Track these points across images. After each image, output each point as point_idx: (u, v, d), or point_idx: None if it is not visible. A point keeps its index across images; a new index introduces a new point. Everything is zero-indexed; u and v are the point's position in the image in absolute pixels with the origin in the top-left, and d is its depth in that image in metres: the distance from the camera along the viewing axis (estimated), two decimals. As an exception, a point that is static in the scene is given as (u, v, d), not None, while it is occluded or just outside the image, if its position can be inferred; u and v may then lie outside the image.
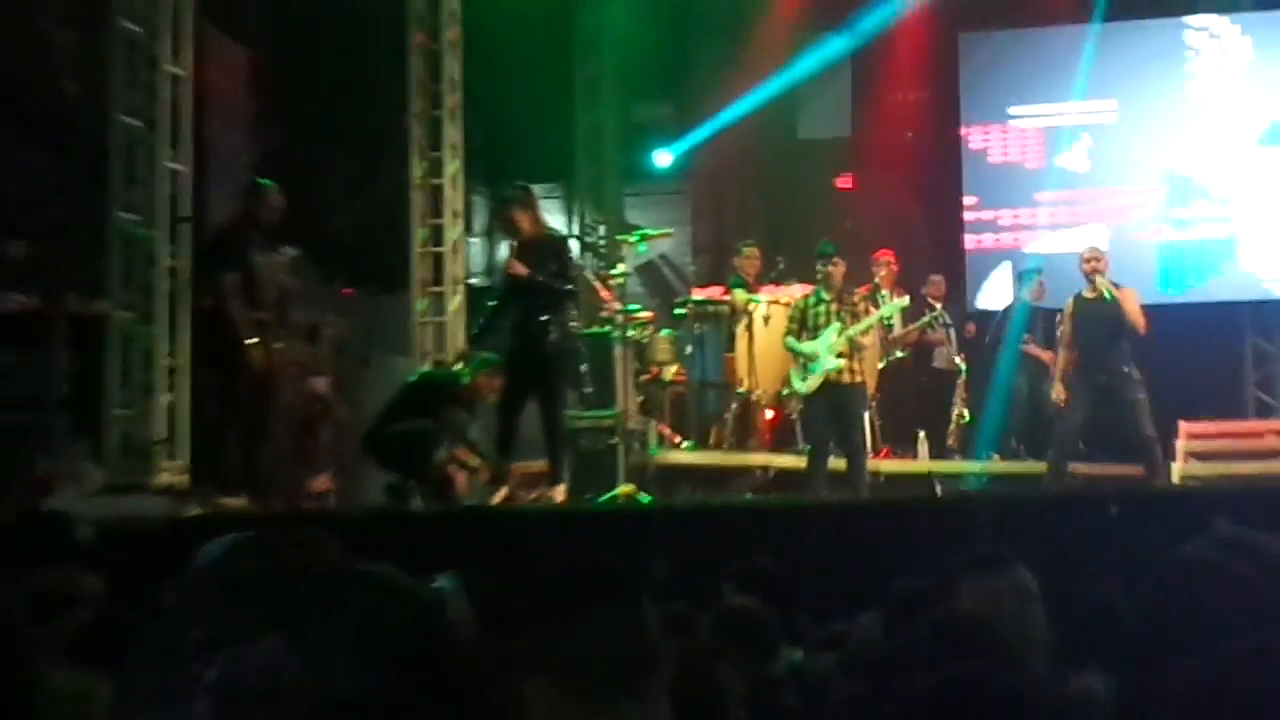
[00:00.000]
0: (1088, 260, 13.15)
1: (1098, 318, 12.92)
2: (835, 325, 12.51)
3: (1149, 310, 13.21)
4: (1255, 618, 2.37)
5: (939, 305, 15.78)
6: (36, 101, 12.28)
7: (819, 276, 12.81)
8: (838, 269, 12.70)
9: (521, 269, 10.95)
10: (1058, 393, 13.06)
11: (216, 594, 1.45)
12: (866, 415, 14.17)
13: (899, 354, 15.28)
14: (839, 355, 12.44)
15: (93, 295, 11.42)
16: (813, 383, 12.54)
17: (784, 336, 12.96)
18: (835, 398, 12.48)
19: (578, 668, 2.60)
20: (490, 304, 11.78)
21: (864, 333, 12.63)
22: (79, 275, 11.49)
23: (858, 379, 12.58)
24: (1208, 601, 2.52)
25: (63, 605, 3.41)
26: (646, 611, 2.75)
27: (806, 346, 12.57)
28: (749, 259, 15.16)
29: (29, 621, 2.33)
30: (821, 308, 12.63)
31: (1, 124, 12.22)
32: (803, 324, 12.68)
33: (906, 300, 14.44)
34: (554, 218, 15.27)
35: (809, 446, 12.99)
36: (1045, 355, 14.88)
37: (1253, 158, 17.41)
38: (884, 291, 15.04)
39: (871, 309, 13.16)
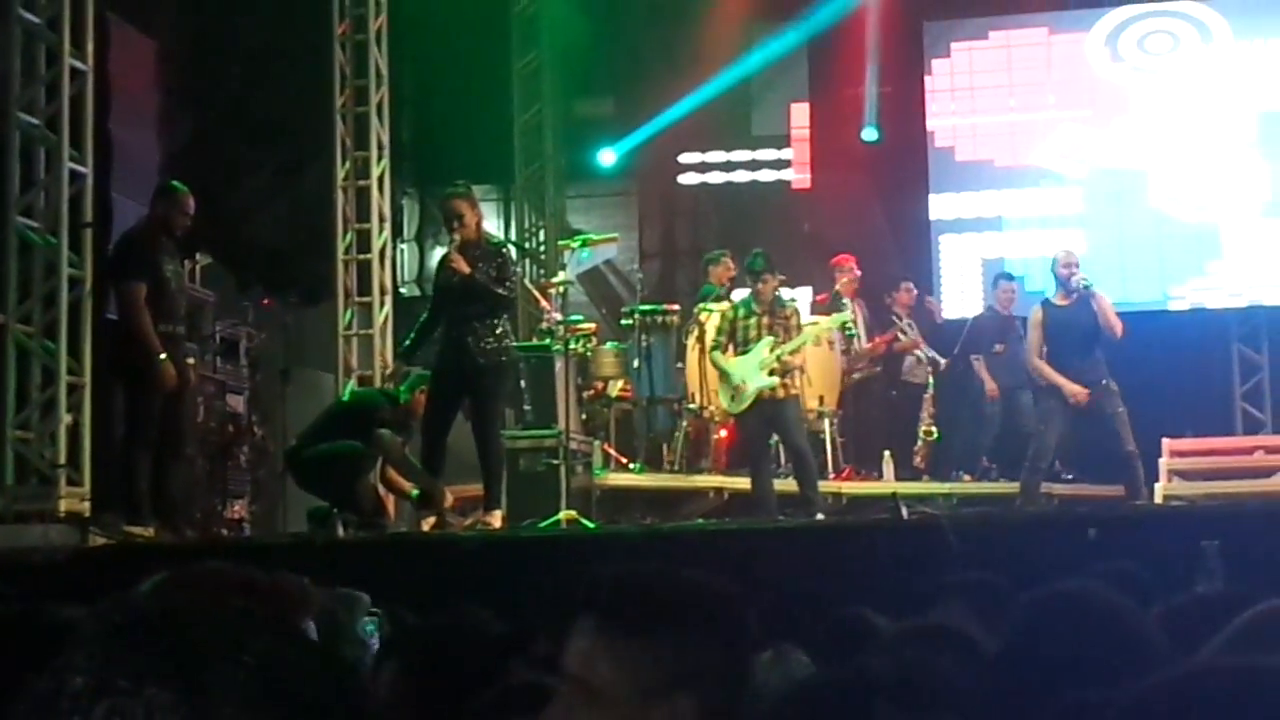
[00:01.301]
0: (1065, 265, 13.19)
1: (1072, 325, 12.95)
2: (766, 340, 12.48)
3: (1126, 318, 13.26)
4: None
5: (905, 315, 15.81)
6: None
7: (750, 291, 12.85)
8: (768, 285, 12.66)
9: (464, 265, 10.90)
10: (1074, 392, 12.87)
11: (109, 636, 1.43)
12: (828, 434, 14.23)
13: (866, 369, 15.31)
14: (771, 373, 12.44)
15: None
16: (744, 402, 12.55)
17: (710, 350, 12.99)
18: (770, 412, 12.51)
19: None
20: (422, 318, 11.71)
21: (795, 351, 12.62)
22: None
23: (792, 393, 12.61)
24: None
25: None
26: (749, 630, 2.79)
27: (735, 364, 12.58)
28: (723, 268, 15.12)
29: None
30: (752, 320, 12.61)
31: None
32: (731, 337, 12.69)
33: (847, 315, 14.45)
34: (490, 221, 15.20)
35: (750, 467, 13.01)
36: (985, 378, 15.11)
37: (1235, 157, 17.53)
38: (845, 300, 15.08)
39: (804, 324, 13.05)
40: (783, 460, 13.38)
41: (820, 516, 12.11)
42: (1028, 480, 13.26)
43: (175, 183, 11.49)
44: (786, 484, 12.76)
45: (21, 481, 11.00)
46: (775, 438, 12.90)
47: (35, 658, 2.19)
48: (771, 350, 12.44)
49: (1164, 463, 14.49)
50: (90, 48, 11.69)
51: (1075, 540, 8.66)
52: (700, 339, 13.99)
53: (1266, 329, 17.43)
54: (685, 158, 19.73)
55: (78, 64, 11.55)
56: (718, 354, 12.76)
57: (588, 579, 2.85)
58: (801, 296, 15.27)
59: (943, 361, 15.58)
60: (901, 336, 15.58)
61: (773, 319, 12.57)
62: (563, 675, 2.72)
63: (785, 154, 19.60)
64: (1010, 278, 15.91)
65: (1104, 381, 12.82)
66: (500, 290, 11.04)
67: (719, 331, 12.86)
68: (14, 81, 11.34)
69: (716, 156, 19.78)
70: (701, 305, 14.32)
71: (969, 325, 16.00)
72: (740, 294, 13.65)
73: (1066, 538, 8.90)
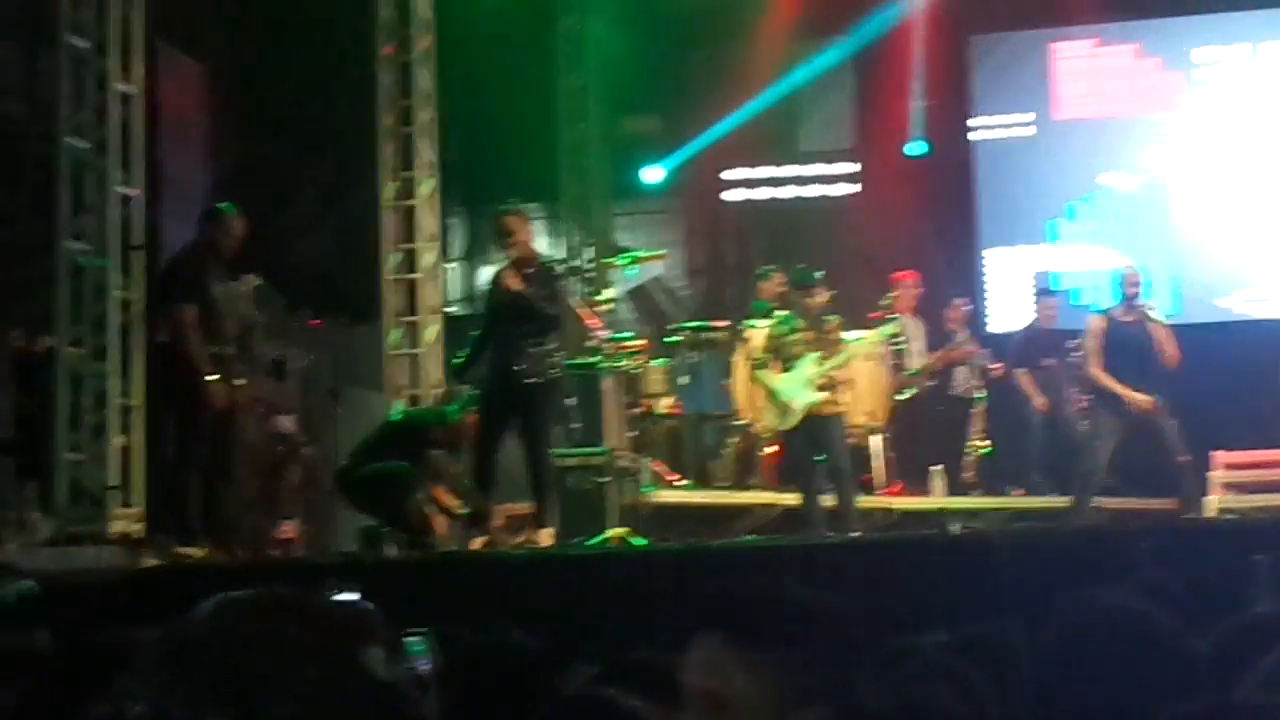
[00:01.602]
0: (1131, 282, 13.19)
1: (1131, 342, 12.93)
2: (812, 356, 12.42)
3: (1176, 330, 13.23)
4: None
5: (960, 331, 15.74)
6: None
7: (794, 305, 12.80)
8: (817, 300, 12.61)
9: (516, 282, 10.93)
10: (1136, 400, 12.85)
11: (165, 664, 1.44)
12: (880, 449, 14.20)
13: (919, 385, 15.25)
14: (818, 389, 12.41)
15: (39, 330, 11.40)
16: (792, 419, 12.50)
17: (754, 369, 12.95)
18: (817, 429, 12.43)
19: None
20: (473, 333, 11.74)
21: (841, 366, 12.57)
22: (24, 309, 11.47)
23: (839, 409, 12.55)
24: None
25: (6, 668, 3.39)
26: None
27: (781, 381, 12.53)
28: (774, 283, 15.07)
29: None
30: (796, 336, 12.55)
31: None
32: (776, 354, 12.63)
33: (893, 328, 14.38)
34: (537, 239, 15.25)
35: (799, 484, 12.98)
36: (1032, 391, 15.07)
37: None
38: (898, 316, 15.05)
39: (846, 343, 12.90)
40: None
41: (855, 534, 12.07)
42: (1080, 495, 13.21)
43: (223, 205, 11.56)
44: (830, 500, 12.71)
45: (74, 503, 11.05)
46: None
47: (90, 683, 2.21)
48: (817, 366, 12.39)
49: (1215, 475, 14.40)
50: (138, 72, 11.76)
51: (1128, 554, 8.61)
52: (747, 355, 13.98)
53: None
54: (731, 174, 19.71)
55: (126, 88, 11.62)
56: (764, 372, 12.71)
57: (699, 594, 2.88)
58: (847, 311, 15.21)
59: (996, 366, 15.54)
60: (961, 335, 15.53)
61: (818, 334, 12.52)
62: (685, 689, 2.72)
63: (832, 169, 19.57)
64: (1052, 293, 15.85)
65: (1158, 397, 12.82)
66: (550, 309, 11.06)
67: (764, 349, 12.83)
68: (63, 106, 11.41)
69: (763, 172, 19.75)
70: (747, 322, 14.30)
71: (1017, 338, 15.96)
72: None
73: (1119, 552, 8.85)
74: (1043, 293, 15.91)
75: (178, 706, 1.37)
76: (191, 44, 14.43)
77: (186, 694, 1.39)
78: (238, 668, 1.45)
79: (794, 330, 12.56)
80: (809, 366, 12.37)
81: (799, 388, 12.37)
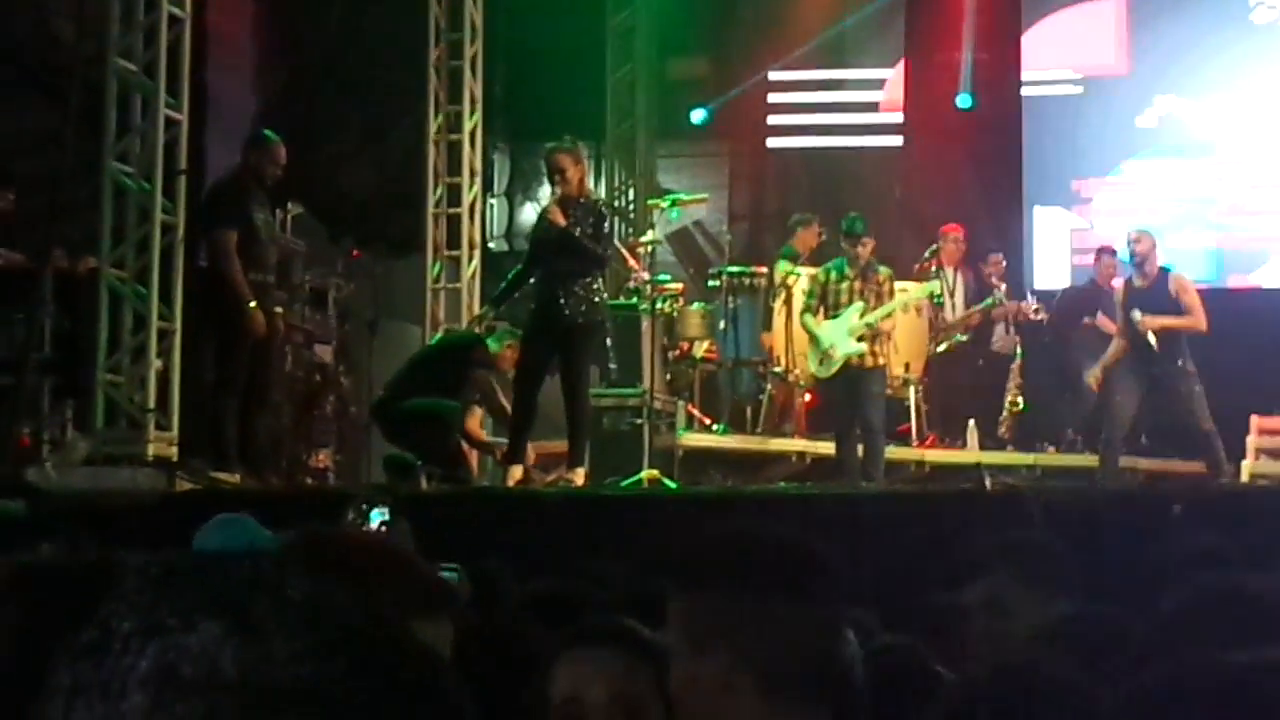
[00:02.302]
0: (1134, 244, 13.09)
1: (1148, 307, 12.86)
2: (857, 305, 12.40)
3: (1217, 295, 13.17)
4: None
5: (1002, 286, 15.67)
6: (26, 44, 12.29)
7: (844, 253, 12.75)
8: (865, 248, 12.57)
9: (561, 218, 10.88)
10: (1093, 376, 12.96)
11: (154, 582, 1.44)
12: (913, 401, 14.17)
13: (960, 338, 15.20)
14: (859, 339, 12.37)
15: (82, 251, 11.43)
16: (832, 366, 12.49)
17: (800, 313, 12.92)
18: (854, 380, 12.46)
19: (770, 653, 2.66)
20: (514, 272, 11.72)
21: (886, 317, 12.56)
22: (68, 229, 11.50)
23: (879, 361, 12.57)
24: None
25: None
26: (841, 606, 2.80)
27: (825, 329, 12.51)
28: (810, 233, 15.02)
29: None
30: (844, 285, 12.53)
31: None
32: (822, 300, 12.61)
33: (935, 285, 14.35)
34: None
35: (835, 433, 12.99)
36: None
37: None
38: (945, 269, 14.99)
39: (896, 290, 12.96)
40: None
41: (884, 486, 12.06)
42: (1105, 453, 13.19)
43: (268, 132, 11.56)
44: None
45: (111, 425, 11.11)
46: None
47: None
48: (861, 316, 12.36)
49: (1252, 440, 14.34)
50: (188, -7, 11.76)
51: (1159, 515, 8.60)
52: (787, 302, 13.94)
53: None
54: (777, 119, 19.63)
55: (176, 11, 11.61)
56: (808, 317, 12.68)
57: (724, 538, 2.88)
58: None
59: (1040, 313, 15.44)
60: (1000, 300, 15.45)
61: (864, 284, 12.49)
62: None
63: (879, 118, 19.47)
64: (1114, 253, 15.75)
65: (1179, 362, 12.73)
66: (595, 247, 11.02)
67: (809, 295, 12.79)
68: (112, 27, 11.41)
69: (809, 119, 19.67)
70: (788, 269, 14.25)
71: (1059, 296, 15.91)
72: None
73: (1151, 513, 8.84)
74: (1104, 251, 15.75)
75: (169, 616, 1.36)
76: (242, -31, 14.42)
77: (179, 604, 1.38)
78: (236, 578, 1.44)
79: (843, 278, 12.53)
80: (853, 316, 12.35)
81: (841, 336, 12.35)
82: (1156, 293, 12.90)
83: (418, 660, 1.44)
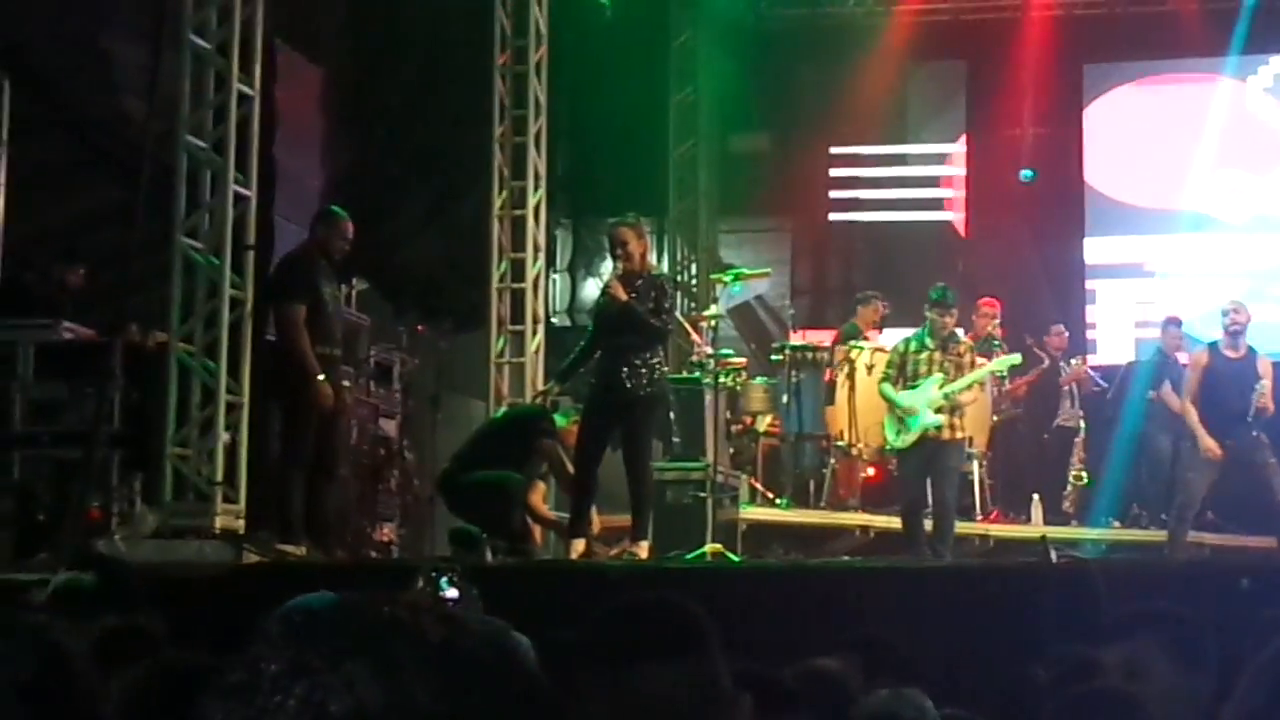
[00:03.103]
0: (1234, 314, 13.04)
1: (1235, 378, 12.79)
2: (937, 377, 12.23)
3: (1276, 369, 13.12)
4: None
5: (1058, 357, 15.62)
6: (99, 121, 12.44)
7: (928, 322, 12.55)
8: (950, 319, 12.44)
9: (622, 292, 10.90)
10: (1209, 447, 12.76)
11: (296, 628, 1.47)
12: (977, 475, 14.10)
13: (1014, 410, 15.14)
14: (938, 410, 12.28)
15: (151, 325, 11.52)
16: (909, 438, 12.38)
17: (880, 383, 12.83)
18: (932, 453, 12.29)
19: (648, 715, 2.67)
20: (580, 348, 11.74)
21: (966, 389, 12.44)
22: (138, 304, 11.60)
23: (958, 435, 12.39)
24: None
25: (128, 651, 3.43)
26: (719, 666, 2.80)
27: (905, 398, 12.35)
28: (873, 310, 14.99)
29: (94, 668, 2.36)
30: (924, 355, 12.36)
31: (62, 145, 12.36)
32: (901, 370, 12.48)
33: (1018, 357, 14.26)
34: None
35: (903, 506, 12.88)
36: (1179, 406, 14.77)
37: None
38: (997, 342, 14.95)
39: (977, 362, 12.82)
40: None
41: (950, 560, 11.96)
42: (1175, 529, 13.10)
43: (336, 208, 11.65)
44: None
45: (179, 497, 11.14)
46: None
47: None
48: (941, 388, 12.24)
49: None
50: (258, 73, 11.86)
51: (1227, 590, 8.52)
52: (850, 376, 13.93)
53: None
54: (837, 194, 19.67)
55: (245, 89, 11.72)
56: (887, 386, 12.51)
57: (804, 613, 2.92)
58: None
59: (1107, 387, 15.43)
60: (1064, 369, 15.40)
61: (944, 355, 12.31)
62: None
63: (941, 193, 19.50)
64: (1179, 324, 15.66)
65: (1255, 434, 12.67)
66: (656, 322, 11.02)
67: (889, 365, 12.59)
68: (183, 105, 11.52)
69: (871, 194, 19.69)
70: (852, 344, 14.26)
71: (1124, 370, 15.84)
72: (897, 333, 13.55)
73: (1218, 588, 8.75)
74: (1170, 322, 15.68)
75: (314, 658, 1.39)
76: (311, 48, 14.53)
77: (324, 646, 1.40)
78: (376, 621, 1.47)
79: (923, 348, 12.42)
80: (932, 388, 12.22)
81: (921, 407, 12.23)
82: (1247, 366, 12.86)
83: (543, 695, 1.48)
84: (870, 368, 13.85)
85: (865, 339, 14.48)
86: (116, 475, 10.92)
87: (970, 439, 13.97)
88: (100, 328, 11.27)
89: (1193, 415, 12.95)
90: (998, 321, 15.35)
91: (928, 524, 12.36)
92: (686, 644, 2.80)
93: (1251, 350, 13.01)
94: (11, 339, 11.19)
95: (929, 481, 12.39)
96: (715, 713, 2.77)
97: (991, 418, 14.62)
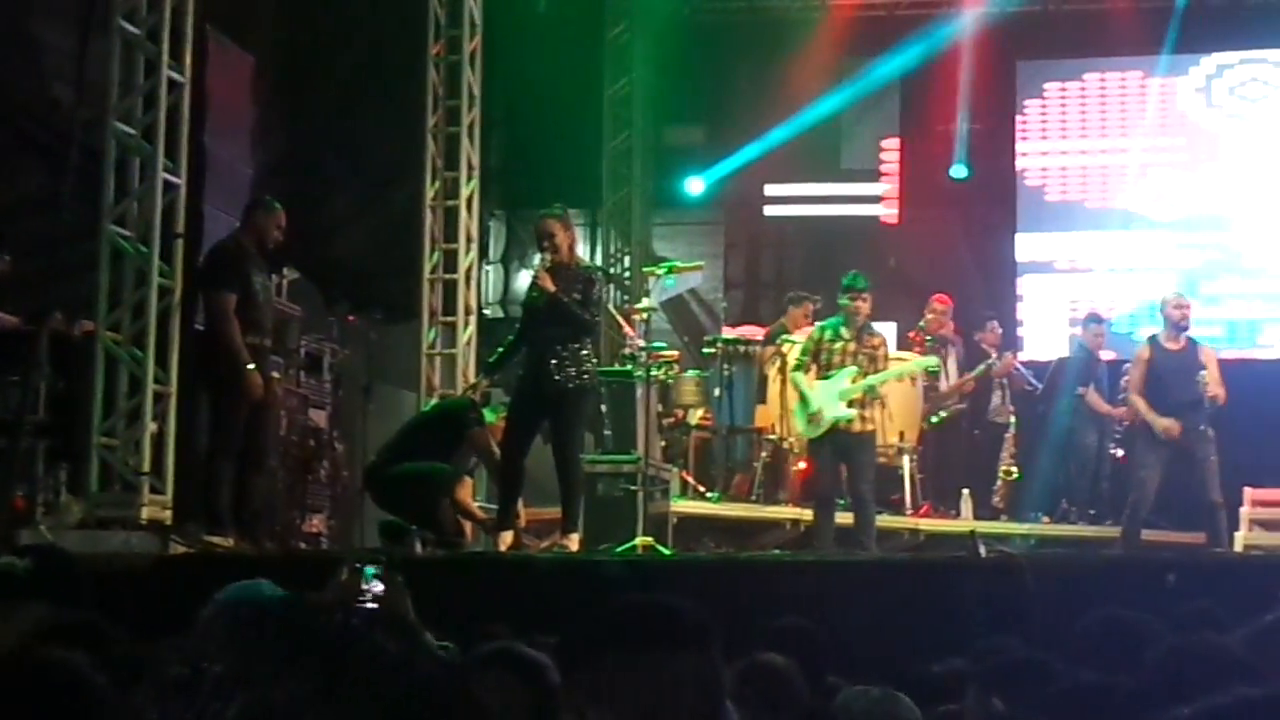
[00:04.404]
0: (1177, 307, 13.11)
1: (1178, 369, 12.87)
2: (851, 369, 12.22)
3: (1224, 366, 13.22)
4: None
5: (994, 353, 15.73)
6: (26, 107, 12.33)
7: (841, 310, 12.51)
8: (865, 304, 12.33)
9: (550, 283, 10.88)
10: (1166, 426, 12.78)
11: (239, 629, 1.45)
12: (907, 470, 14.14)
13: (958, 406, 15.23)
14: (850, 404, 12.21)
15: (78, 314, 11.44)
16: (820, 427, 12.30)
17: (792, 370, 12.79)
18: (842, 445, 12.27)
19: (649, 708, 2.68)
20: (509, 339, 11.71)
21: (881, 385, 12.43)
22: (64, 292, 11.51)
23: (869, 428, 12.35)
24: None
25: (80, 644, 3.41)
26: (718, 661, 2.84)
27: (815, 390, 12.34)
28: (803, 311, 14.98)
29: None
30: (839, 345, 12.34)
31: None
32: (815, 358, 12.43)
33: (934, 361, 14.32)
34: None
35: (814, 497, 12.88)
36: (1108, 409, 14.84)
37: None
38: (942, 336, 15.04)
39: (891, 359, 12.82)
40: None
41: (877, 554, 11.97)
42: (1129, 527, 13.16)
43: (269, 198, 11.60)
44: (848, 516, 12.57)
45: (105, 488, 11.07)
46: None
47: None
48: (854, 381, 12.24)
49: (1245, 511, 14.38)
50: (188, 60, 11.78)
51: (1153, 585, 8.59)
52: (782, 370, 13.93)
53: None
54: (772, 189, 19.70)
55: (175, 75, 11.64)
56: (799, 375, 12.48)
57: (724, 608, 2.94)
58: (885, 331, 15.16)
59: (1039, 387, 15.56)
60: (995, 364, 15.50)
61: (859, 347, 12.29)
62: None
63: (873, 188, 19.56)
64: (1100, 320, 15.76)
65: (1202, 427, 12.76)
66: (585, 314, 11.02)
67: (803, 351, 12.59)
68: (112, 91, 11.43)
69: (804, 189, 19.74)
70: (784, 338, 14.28)
71: (1054, 366, 15.93)
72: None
73: (1144, 582, 8.83)
74: (1092, 319, 15.78)
75: (259, 665, 1.37)
76: (242, 34, 14.45)
77: (271, 653, 1.39)
78: (328, 630, 1.45)
79: (837, 337, 12.40)
80: (845, 380, 12.22)
81: (831, 400, 12.23)
82: (1189, 357, 12.93)
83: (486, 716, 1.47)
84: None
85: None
86: (42, 465, 10.83)
87: (902, 434, 14.04)
88: (25, 316, 11.16)
89: (1142, 405, 13.04)
90: (949, 317, 15.46)
91: (843, 517, 12.34)
92: (691, 638, 2.83)
93: (1193, 341, 13.09)
94: (-64, 327, 11.10)
95: (843, 474, 12.41)
96: (717, 705, 2.80)
97: (923, 413, 14.69)
